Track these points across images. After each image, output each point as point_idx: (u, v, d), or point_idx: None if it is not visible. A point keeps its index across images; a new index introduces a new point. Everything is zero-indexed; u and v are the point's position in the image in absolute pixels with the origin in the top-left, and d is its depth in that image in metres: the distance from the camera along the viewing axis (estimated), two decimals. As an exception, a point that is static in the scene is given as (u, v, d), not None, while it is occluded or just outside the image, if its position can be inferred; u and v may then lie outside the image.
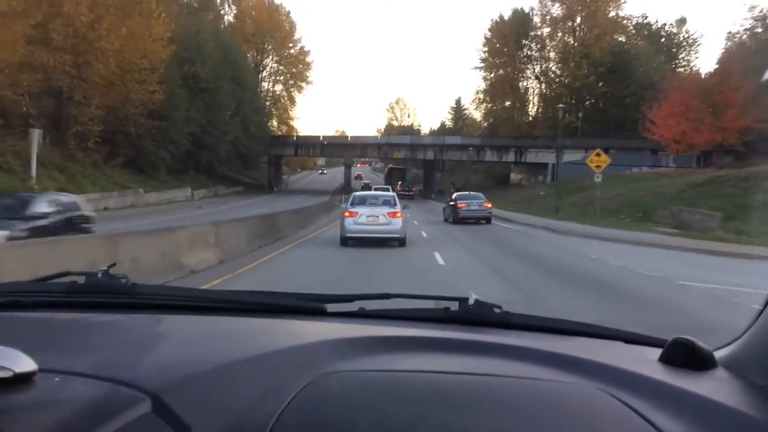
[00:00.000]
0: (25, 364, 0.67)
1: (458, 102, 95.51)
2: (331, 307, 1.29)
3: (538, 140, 56.53)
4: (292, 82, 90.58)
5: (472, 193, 27.33)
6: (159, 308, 1.24)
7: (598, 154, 21.56)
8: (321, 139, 67.66)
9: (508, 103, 76.63)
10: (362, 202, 14.64)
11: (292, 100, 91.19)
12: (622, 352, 1.15)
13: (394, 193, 17.99)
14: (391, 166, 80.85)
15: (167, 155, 42.77)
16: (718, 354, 1.05)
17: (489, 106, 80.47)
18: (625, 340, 1.22)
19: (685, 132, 40.55)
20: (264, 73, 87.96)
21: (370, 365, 0.91)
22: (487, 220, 23.78)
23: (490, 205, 24.23)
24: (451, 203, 24.83)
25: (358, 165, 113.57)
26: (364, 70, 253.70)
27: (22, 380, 0.66)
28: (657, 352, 1.05)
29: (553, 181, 51.09)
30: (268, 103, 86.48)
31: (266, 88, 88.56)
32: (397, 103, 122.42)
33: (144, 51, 37.59)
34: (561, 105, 47.73)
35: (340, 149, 66.18)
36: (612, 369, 0.93)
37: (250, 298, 1.36)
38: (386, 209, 14.03)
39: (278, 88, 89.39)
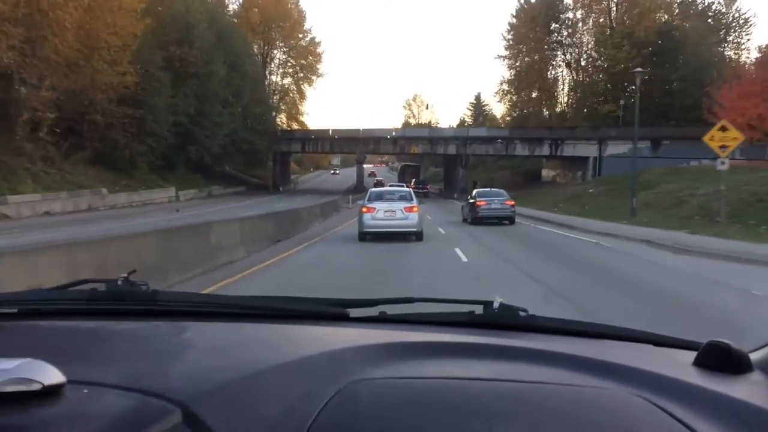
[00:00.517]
0: (53, 376, 0.67)
1: (478, 97, 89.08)
2: (353, 312, 1.26)
3: (577, 130, 49.63)
4: (302, 74, 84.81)
5: (493, 189, 24.50)
6: (181, 315, 1.24)
7: (723, 129, 14.66)
8: (330, 133, 61.41)
9: (535, 94, 69.86)
10: (379, 197, 14.75)
11: (302, 95, 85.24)
12: (654, 356, 1.13)
13: (410, 189, 17.50)
14: (404, 163, 77.39)
15: (146, 149, 36.70)
16: (754, 356, 1.02)
17: (514, 98, 73.89)
18: (655, 343, 1.20)
19: (764, 116, 33.46)
20: (272, 66, 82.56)
21: (398, 372, 0.90)
22: (510, 220, 21.15)
23: (513, 204, 21.42)
24: (471, 201, 22.17)
25: (375, 165, 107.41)
26: (380, 66, 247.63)
27: (51, 393, 0.66)
28: (690, 356, 1.03)
29: (596, 177, 44.24)
30: (276, 97, 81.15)
31: (274, 81, 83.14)
32: (414, 99, 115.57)
33: (113, 25, 31.57)
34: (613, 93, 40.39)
35: (351, 144, 59.88)
36: (646, 373, 0.91)
37: (272, 303, 1.36)
38: (403, 204, 14.17)
39: (287, 81, 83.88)
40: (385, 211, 14.07)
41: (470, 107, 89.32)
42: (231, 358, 0.94)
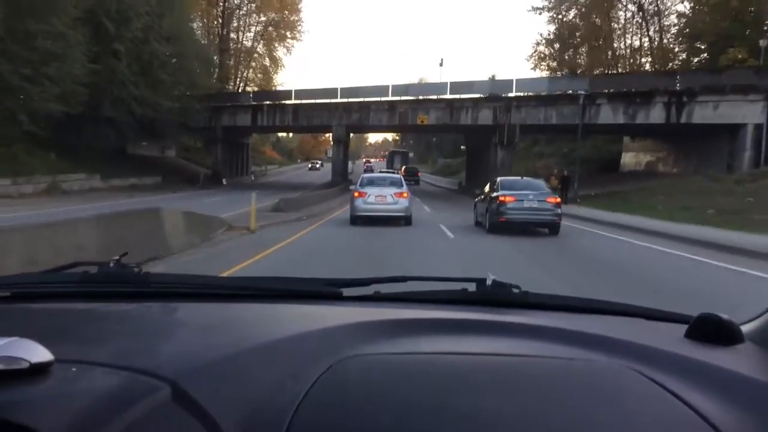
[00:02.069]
0: (41, 354, 0.66)
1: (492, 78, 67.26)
2: (347, 292, 1.26)
3: (725, 75, 27.67)
4: (275, 33, 63.82)
5: (525, 178, 15.07)
6: (173, 297, 1.23)
7: None
8: (293, 97, 40.10)
9: (585, 51, 48.45)
10: (370, 183, 15.03)
11: (275, 62, 64.32)
12: (646, 329, 1.14)
13: (401, 175, 17.87)
14: (392, 149, 72.35)
15: None
16: (745, 328, 1.03)
17: (554, 63, 52.77)
18: (647, 317, 1.20)
19: None
20: (234, 22, 61.53)
21: (390, 348, 0.90)
22: (551, 228, 13.20)
23: (557, 202, 13.24)
24: (490, 195, 13.68)
25: (373, 160, 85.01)
26: (382, 35, 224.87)
27: (38, 371, 0.66)
28: (682, 329, 1.04)
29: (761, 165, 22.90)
30: (234, 61, 60.24)
31: (236, 39, 62.09)
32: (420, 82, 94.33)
33: None
34: None
35: (324, 113, 38.53)
36: (638, 346, 0.92)
37: (264, 284, 1.35)
38: (393, 190, 14.55)
39: (259, 47, 62.71)
40: (376, 196, 14.30)
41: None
42: (222, 336, 0.94)
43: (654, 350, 0.90)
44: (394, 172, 27.21)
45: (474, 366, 0.84)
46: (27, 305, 1.16)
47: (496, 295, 1.21)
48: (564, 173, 26.67)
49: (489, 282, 1.22)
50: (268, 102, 40.83)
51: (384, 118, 36.81)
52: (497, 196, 13.17)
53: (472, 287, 1.23)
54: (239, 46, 61.40)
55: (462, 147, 77.19)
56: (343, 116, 38.09)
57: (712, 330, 0.98)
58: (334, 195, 28.92)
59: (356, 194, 14.59)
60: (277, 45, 62.91)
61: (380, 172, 30.27)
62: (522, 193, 13.16)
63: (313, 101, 39.13)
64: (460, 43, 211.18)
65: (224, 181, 44.27)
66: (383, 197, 14.31)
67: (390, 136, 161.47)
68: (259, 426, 0.67)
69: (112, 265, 1.27)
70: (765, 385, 0.80)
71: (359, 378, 0.78)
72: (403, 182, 15.28)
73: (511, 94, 33.12)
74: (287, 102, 40.03)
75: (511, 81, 34.02)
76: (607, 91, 30.02)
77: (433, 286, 1.27)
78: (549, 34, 54.12)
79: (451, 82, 34.55)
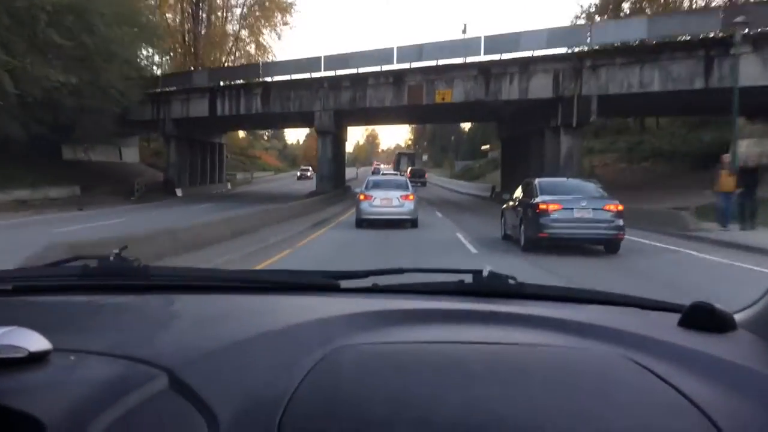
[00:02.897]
0: (39, 343, 0.67)
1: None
2: (344, 284, 1.27)
3: None
4: (259, 12, 52.95)
5: (572, 180, 11.53)
6: (172, 289, 1.25)
7: None
8: (260, 73, 28.89)
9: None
10: (376, 186, 14.86)
11: (263, 49, 53.24)
12: (639, 319, 1.15)
13: (406, 178, 18.31)
14: (399, 151, 74.41)
15: None
16: (738, 317, 1.03)
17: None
18: (641, 307, 1.21)
19: None
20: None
21: (385, 338, 0.90)
22: (609, 246, 9.82)
23: (619, 209, 9.58)
24: (528, 202, 10.11)
25: (383, 166, 73.20)
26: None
27: (36, 359, 0.67)
28: (675, 318, 1.04)
29: None
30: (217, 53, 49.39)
31: (215, 21, 51.28)
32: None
33: None
34: None
35: (304, 94, 27.32)
36: (631, 335, 0.93)
37: (263, 276, 1.37)
38: (399, 192, 14.25)
39: (238, 29, 51.80)
40: (382, 199, 14.06)
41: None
42: (219, 327, 0.95)
43: (648, 339, 0.91)
44: (398, 174, 26.18)
45: (468, 354, 0.84)
46: (28, 298, 1.17)
47: (492, 286, 1.21)
48: (748, 165, 14.64)
49: (485, 273, 1.22)
50: (227, 82, 29.71)
51: (387, 96, 25.41)
52: (535, 204, 9.70)
53: (468, 278, 1.23)
54: (214, 29, 50.57)
55: (483, 147, 67.09)
56: (330, 96, 26.79)
57: (705, 318, 0.99)
58: (315, 209, 18.98)
59: (362, 197, 14.36)
60: (264, 29, 52.01)
61: (382, 174, 28.94)
62: (570, 199, 9.63)
63: (288, 77, 27.92)
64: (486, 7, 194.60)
65: (179, 192, 33.33)
66: (389, 200, 14.03)
67: (403, 137, 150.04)
68: (254, 414, 0.67)
69: (112, 258, 1.26)
70: (758, 373, 0.81)
71: (353, 367, 0.79)
72: (409, 185, 15.19)
73: (581, 49, 21.45)
74: (254, 81, 28.88)
75: (585, 28, 22.39)
76: (750, 32, 18.21)
77: (430, 278, 1.28)
78: None
79: (486, 37, 22.93)
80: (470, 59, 23.26)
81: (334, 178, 29.57)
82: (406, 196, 14.13)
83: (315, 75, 27.16)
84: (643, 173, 31.40)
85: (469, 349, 0.86)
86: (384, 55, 24.92)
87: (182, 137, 34.42)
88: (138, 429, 0.63)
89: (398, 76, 24.90)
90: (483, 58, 22.89)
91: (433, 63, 24.16)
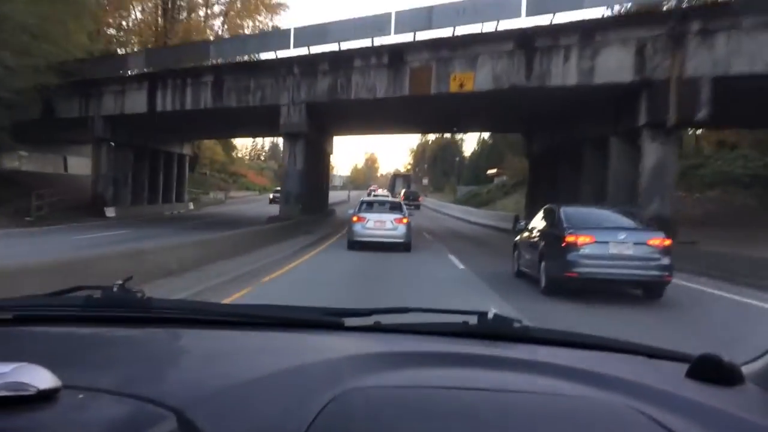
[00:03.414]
0: (48, 380, 0.67)
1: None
2: (348, 321, 1.27)
3: None
4: (243, 12, 45.91)
5: (604, 208, 10.25)
6: (176, 322, 1.24)
7: None
8: (211, 55, 21.44)
9: None
10: (369, 207, 14.72)
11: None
12: (647, 368, 1.14)
13: (401, 200, 19.05)
14: (394, 173, 72.96)
15: None
16: (746, 369, 1.03)
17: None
18: (648, 355, 1.20)
19: None
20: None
21: (392, 380, 0.90)
22: (652, 289, 8.07)
23: (666, 244, 7.81)
24: (551, 234, 8.48)
25: (380, 191, 65.81)
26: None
27: (46, 398, 0.66)
28: (682, 368, 1.04)
29: None
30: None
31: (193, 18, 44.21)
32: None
33: None
34: None
35: (270, 82, 19.82)
36: (639, 385, 0.93)
37: (267, 312, 1.36)
38: (393, 215, 14.10)
39: (221, 27, 44.69)
40: (376, 221, 13.83)
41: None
42: (226, 365, 0.96)
43: (655, 389, 0.91)
44: (391, 196, 26.60)
45: (474, 401, 0.85)
46: (30, 328, 1.17)
47: (497, 329, 1.21)
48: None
49: (490, 315, 1.22)
50: (169, 68, 22.21)
51: (380, 83, 17.86)
52: (561, 236, 8.03)
53: (473, 320, 1.23)
54: (191, 25, 43.45)
55: (490, 171, 59.94)
56: (302, 85, 19.30)
57: (712, 370, 0.98)
58: (264, 242, 14.13)
59: (355, 219, 14.01)
60: (248, 31, 44.88)
61: (374, 195, 29.54)
62: (606, 231, 8.01)
63: (246, 58, 20.48)
64: None
65: (109, 212, 25.66)
66: (382, 222, 13.77)
67: (403, 161, 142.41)
68: None
69: (115, 289, 1.26)
70: (764, 428, 0.81)
71: (363, 410, 0.79)
72: (404, 207, 14.88)
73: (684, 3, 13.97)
74: (202, 65, 21.44)
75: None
76: None
77: (434, 318, 1.28)
78: None
79: (528, -6, 15.43)
80: (504, 24, 15.78)
81: (308, 200, 21.92)
82: (400, 219, 13.88)
83: (283, 55, 19.72)
84: (709, 205, 23.97)
85: (477, 395, 0.87)
86: (377, 24, 17.40)
87: (122, 142, 26.92)
88: None
89: (396, 53, 17.37)
90: (523, 21, 15.41)
91: (447, 33, 16.67)
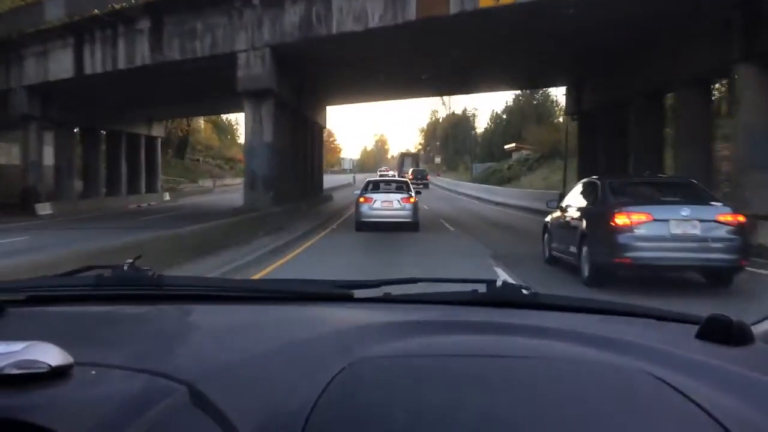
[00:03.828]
0: (61, 357, 0.68)
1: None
2: (358, 293, 1.28)
3: None
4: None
5: (660, 177, 10.06)
6: (187, 299, 1.26)
7: None
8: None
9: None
10: (376, 188, 14.60)
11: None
12: (656, 331, 1.15)
13: (408, 180, 18.30)
14: (402, 152, 70.66)
15: None
16: (756, 329, 1.03)
17: None
18: (658, 318, 1.20)
19: None
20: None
21: (401, 350, 0.91)
22: (721, 276, 7.00)
23: (740, 220, 6.62)
24: (593, 212, 7.48)
25: (391, 172, 60.46)
26: None
27: (58, 374, 0.67)
28: (692, 330, 1.03)
29: None
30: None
31: None
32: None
33: None
34: None
35: (224, 22, 14.24)
36: (649, 348, 0.93)
37: (276, 286, 1.38)
38: (400, 195, 14.00)
39: None
40: (383, 202, 13.74)
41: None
42: (237, 339, 0.97)
43: (665, 351, 0.91)
44: (398, 176, 27.58)
45: (487, 367, 0.86)
46: (43, 308, 1.18)
47: (506, 296, 1.21)
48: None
49: (499, 283, 1.22)
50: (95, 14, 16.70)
51: (374, 4, 12.25)
52: (608, 214, 6.93)
53: (482, 288, 1.22)
54: None
55: (507, 146, 54.08)
56: (264, 19, 13.74)
57: (722, 330, 0.98)
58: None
59: (362, 200, 13.88)
60: None
61: (380, 175, 31.39)
62: (664, 206, 6.95)
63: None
64: None
65: (42, 209, 20.38)
66: (390, 203, 13.67)
67: (413, 142, 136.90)
68: (275, 427, 0.68)
69: (125, 268, 1.26)
70: None
71: (372, 380, 0.80)
72: (411, 187, 14.73)
73: None
74: (136, 4, 15.88)
75: None
76: None
77: (443, 288, 1.28)
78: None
79: None
80: None
81: (286, 185, 16.48)
82: (407, 199, 13.78)
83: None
84: None
85: (487, 362, 0.87)
86: None
87: (61, 121, 21.59)
88: None
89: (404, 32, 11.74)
90: None
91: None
